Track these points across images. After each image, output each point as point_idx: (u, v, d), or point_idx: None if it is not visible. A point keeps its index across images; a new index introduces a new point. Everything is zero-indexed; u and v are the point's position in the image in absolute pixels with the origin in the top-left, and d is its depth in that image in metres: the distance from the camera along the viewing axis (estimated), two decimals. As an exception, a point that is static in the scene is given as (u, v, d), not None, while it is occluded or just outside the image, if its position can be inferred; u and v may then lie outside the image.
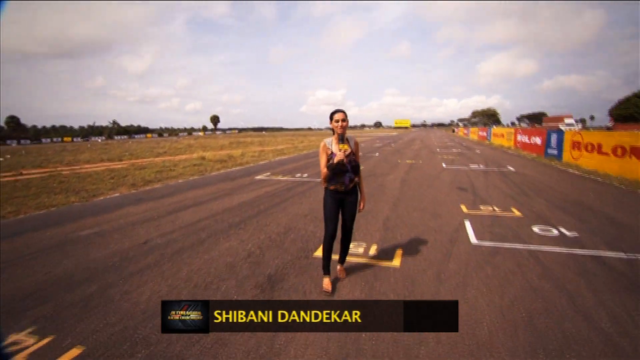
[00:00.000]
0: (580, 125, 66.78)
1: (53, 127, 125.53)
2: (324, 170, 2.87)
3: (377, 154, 18.24)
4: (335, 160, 2.75)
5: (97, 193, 8.65)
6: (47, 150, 36.11)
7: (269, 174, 11.14)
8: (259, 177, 10.51)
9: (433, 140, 33.17)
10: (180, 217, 5.78)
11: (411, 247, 4.10)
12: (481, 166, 12.11)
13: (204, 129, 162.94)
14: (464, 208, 5.99)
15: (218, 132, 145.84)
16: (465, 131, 48.43)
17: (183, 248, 4.26)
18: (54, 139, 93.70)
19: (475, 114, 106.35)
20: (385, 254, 3.91)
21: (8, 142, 78.15)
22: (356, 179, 2.98)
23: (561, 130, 16.69)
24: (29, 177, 12.78)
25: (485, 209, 5.89)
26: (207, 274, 3.50)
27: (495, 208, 5.96)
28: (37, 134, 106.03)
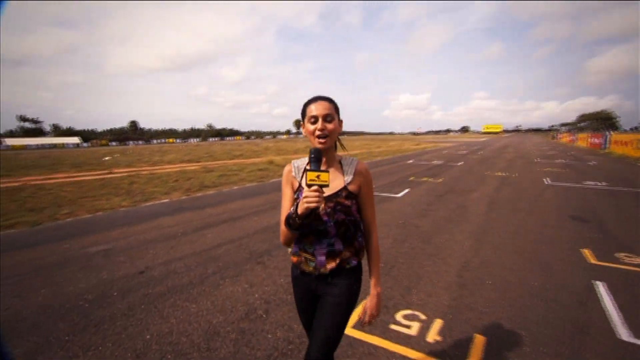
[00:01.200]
0: None
1: (163, 130, 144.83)
2: (282, 225, 1.41)
3: (460, 163, 15.81)
4: (300, 208, 1.23)
5: (150, 197, 8.45)
6: (147, 150, 40.53)
7: (328, 183, 9.93)
8: (316, 187, 9.37)
9: (529, 148, 28.51)
10: (204, 237, 4.90)
11: (502, 335, 2.47)
12: (602, 184, 9.21)
13: (288, 132, 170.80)
14: (588, 255, 3.98)
15: (300, 136, 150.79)
16: (571, 137, 41.21)
17: (174, 288, 3.26)
18: (161, 140, 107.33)
19: (583, 117, 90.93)
20: (456, 344, 2.35)
21: (128, 142, 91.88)
22: (347, 254, 1.38)
23: None
24: (113, 177, 13.69)
25: (628, 261, 3.80)
26: (172, 345, 2.39)
27: (646, 259, 3.82)
28: (151, 136, 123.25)
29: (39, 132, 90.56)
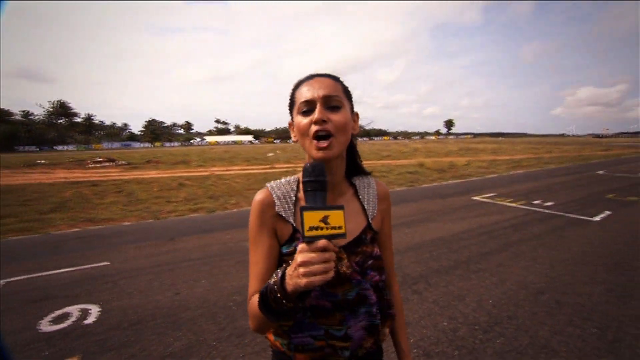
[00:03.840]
0: None
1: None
2: (253, 304, 0.71)
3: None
4: (290, 283, 0.59)
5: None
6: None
7: (493, 194, 8.33)
8: (478, 197, 7.96)
9: None
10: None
11: None
12: None
13: (437, 133, 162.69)
14: None
15: (451, 137, 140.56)
16: None
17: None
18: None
19: None
20: None
21: (289, 140, 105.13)
22: (384, 331, 0.83)
23: None
24: (274, 171, 15.36)
25: None
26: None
27: None
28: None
29: (226, 132, 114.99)
